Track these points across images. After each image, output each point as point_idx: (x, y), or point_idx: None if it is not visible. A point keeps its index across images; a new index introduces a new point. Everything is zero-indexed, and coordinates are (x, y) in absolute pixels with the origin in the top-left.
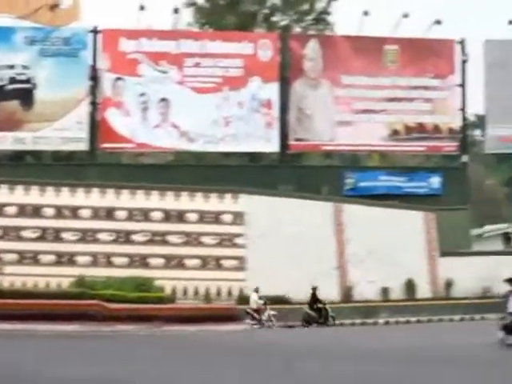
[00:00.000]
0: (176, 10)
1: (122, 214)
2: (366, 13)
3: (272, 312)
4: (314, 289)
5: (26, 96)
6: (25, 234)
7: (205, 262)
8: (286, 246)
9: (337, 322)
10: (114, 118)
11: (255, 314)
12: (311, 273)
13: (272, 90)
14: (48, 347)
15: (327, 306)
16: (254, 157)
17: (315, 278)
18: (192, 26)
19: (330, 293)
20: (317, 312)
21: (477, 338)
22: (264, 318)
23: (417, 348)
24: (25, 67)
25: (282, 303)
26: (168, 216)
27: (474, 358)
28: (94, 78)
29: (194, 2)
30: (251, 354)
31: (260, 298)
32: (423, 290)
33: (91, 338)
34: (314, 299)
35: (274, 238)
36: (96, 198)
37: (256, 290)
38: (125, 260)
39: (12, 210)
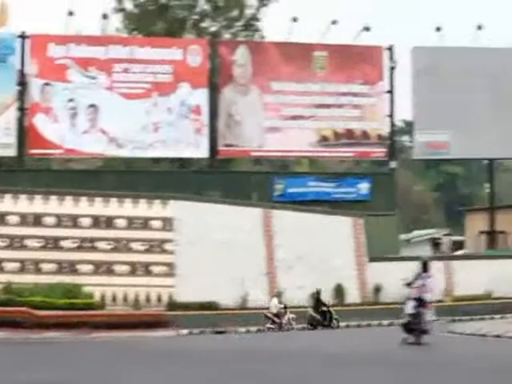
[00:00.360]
0: (105, 16)
1: (50, 220)
2: (294, 19)
3: (292, 316)
4: (318, 292)
5: None
6: None
7: (134, 268)
8: (215, 252)
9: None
10: (42, 123)
11: (275, 318)
12: (240, 279)
13: (201, 96)
14: None
15: (331, 309)
16: (183, 163)
17: (244, 283)
18: (121, 32)
19: (259, 299)
20: (321, 315)
21: (395, 340)
22: (284, 321)
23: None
24: None
25: (211, 309)
26: (97, 222)
27: (377, 357)
28: (22, 83)
29: (123, 7)
30: (175, 359)
31: (280, 302)
32: (352, 295)
33: (20, 344)
34: (319, 302)
35: (203, 243)
36: (24, 204)
37: (278, 295)
38: (53, 266)
39: None
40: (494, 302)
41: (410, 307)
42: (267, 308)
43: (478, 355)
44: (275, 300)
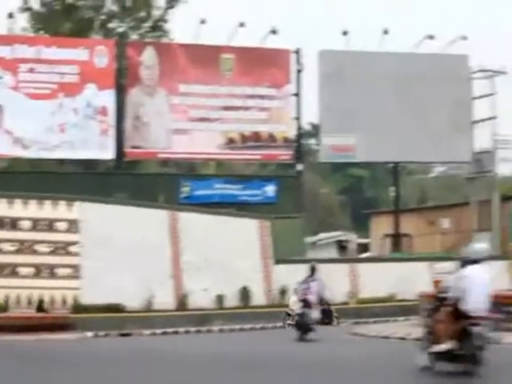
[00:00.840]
0: (11, 15)
1: None
2: (202, 21)
3: None
4: None
5: None
6: None
7: (38, 270)
8: (121, 254)
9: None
10: None
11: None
12: (146, 281)
13: (108, 97)
14: None
15: (331, 307)
16: (89, 164)
17: (151, 286)
18: (27, 32)
19: (165, 301)
20: (322, 313)
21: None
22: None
23: (220, 353)
24: None
25: (117, 311)
26: (1, 223)
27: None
28: None
29: (29, 7)
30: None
31: None
32: (258, 298)
33: None
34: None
35: (109, 246)
36: None
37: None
38: None
39: None
40: (398, 304)
41: (297, 308)
42: (174, 310)
43: (360, 356)
44: (295, 297)
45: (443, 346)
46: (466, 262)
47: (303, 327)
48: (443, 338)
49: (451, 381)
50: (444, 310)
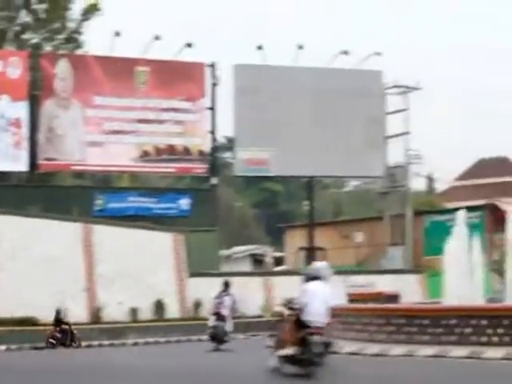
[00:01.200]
0: None
1: None
2: (117, 33)
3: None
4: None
5: None
6: None
7: None
8: (35, 267)
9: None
10: None
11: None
12: (60, 294)
13: (21, 109)
14: None
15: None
16: (2, 176)
17: (64, 299)
18: None
19: (78, 314)
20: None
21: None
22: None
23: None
24: None
25: (30, 324)
26: None
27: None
28: None
29: None
30: None
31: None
32: (172, 310)
33: None
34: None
35: (23, 258)
36: None
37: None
38: None
39: None
40: None
41: (211, 321)
42: (88, 323)
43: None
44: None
45: (287, 351)
46: (309, 278)
47: (217, 339)
48: (288, 344)
49: (292, 381)
50: (289, 320)
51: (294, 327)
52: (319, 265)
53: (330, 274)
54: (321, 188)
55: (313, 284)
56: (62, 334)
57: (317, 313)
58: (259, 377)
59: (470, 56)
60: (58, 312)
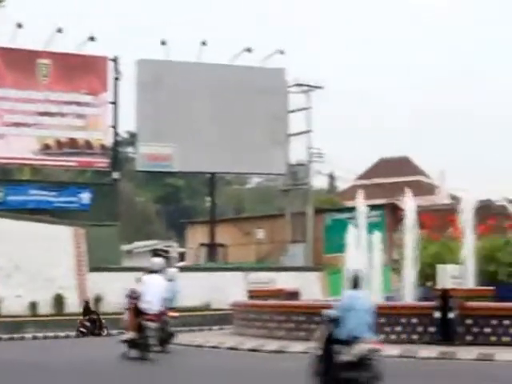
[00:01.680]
0: None
1: None
2: (19, 25)
3: None
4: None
5: None
6: None
7: None
8: None
9: None
10: None
11: None
12: None
13: None
14: None
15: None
16: None
17: None
18: None
19: None
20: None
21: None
22: None
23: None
24: None
25: None
26: None
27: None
28: None
29: None
30: None
31: None
32: (72, 305)
33: None
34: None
35: None
36: None
37: None
38: None
39: None
40: (213, 313)
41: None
42: None
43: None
44: None
45: (127, 336)
46: (149, 271)
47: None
48: (129, 329)
49: (132, 365)
50: (131, 308)
51: (133, 314)
52: (156, 260)
53: (166, 268)
54: (223, 184)
55: (149, 276)
56: (91, 323)
57: (151, 302)
58: (109, 361)
59: (368, 55)
60: (86, 302)
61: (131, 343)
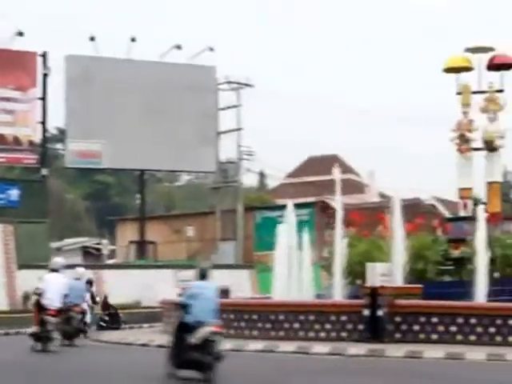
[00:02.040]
0: None
1: None
2: None
3: None
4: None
5: None
6: None
7: None
8: None
9: None
10: None
11: None
12: None
13: None
14: None
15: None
16: None
17: None
18: None
19: None
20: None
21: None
22: None
23: None
24: None
25: None
26: None
27: None
28: None
29: None
30: None
31: None
32: (1, 303)
33: None
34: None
35: None
36: None
37: None
38: None
39: None
40: (143, 311)
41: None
42: None
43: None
44: None
45: (32, 330)
46: (51, 270)
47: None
48: (34, 323)
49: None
50: (35, 303)
51: (36, 310)
52: (57, 259)
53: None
54: (154, 182)
55: (50, 275)
56: (110, 317)
57: (52, 298)
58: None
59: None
60: (105, 297)
61: (35, 336)
